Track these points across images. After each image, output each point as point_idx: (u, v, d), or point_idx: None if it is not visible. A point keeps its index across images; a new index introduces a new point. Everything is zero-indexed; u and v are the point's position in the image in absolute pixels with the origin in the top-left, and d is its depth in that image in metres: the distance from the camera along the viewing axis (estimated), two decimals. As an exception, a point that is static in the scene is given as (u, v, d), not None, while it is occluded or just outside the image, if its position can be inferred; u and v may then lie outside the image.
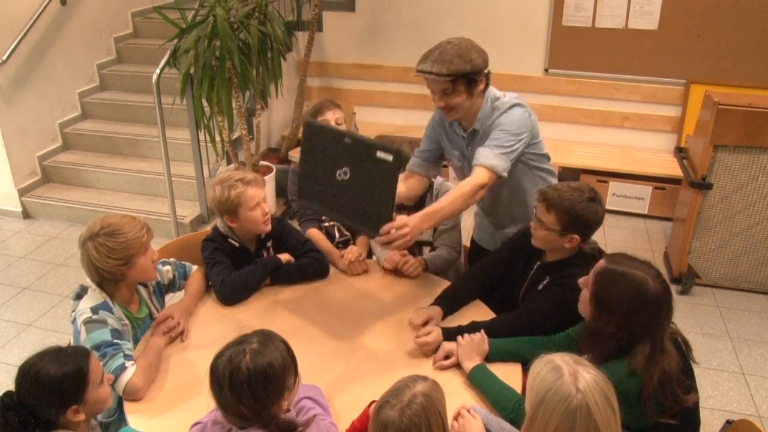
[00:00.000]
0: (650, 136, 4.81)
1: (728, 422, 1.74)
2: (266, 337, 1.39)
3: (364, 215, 1.80)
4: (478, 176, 1.99)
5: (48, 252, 4.12)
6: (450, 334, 1.88)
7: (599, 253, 2.03)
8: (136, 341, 1.95)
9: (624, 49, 4.61)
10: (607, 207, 4.62)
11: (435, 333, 1.88)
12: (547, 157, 2.27)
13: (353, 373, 1.82)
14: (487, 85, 2.08)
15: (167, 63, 3.96)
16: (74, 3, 4.89)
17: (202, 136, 4.11)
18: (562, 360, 1.29)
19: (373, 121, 5.25)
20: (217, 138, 4.07)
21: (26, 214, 4.62)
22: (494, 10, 4.80)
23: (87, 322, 1.80)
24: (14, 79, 4.44)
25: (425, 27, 5.00)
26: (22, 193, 4.60)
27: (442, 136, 2.29)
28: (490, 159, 1.99)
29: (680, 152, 3.83)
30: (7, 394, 1.46)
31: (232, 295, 2.14)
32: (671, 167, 4.33)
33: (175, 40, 3.86)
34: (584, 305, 1.66)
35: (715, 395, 2.85)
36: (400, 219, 1.80)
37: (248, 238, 2.26)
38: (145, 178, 4.57)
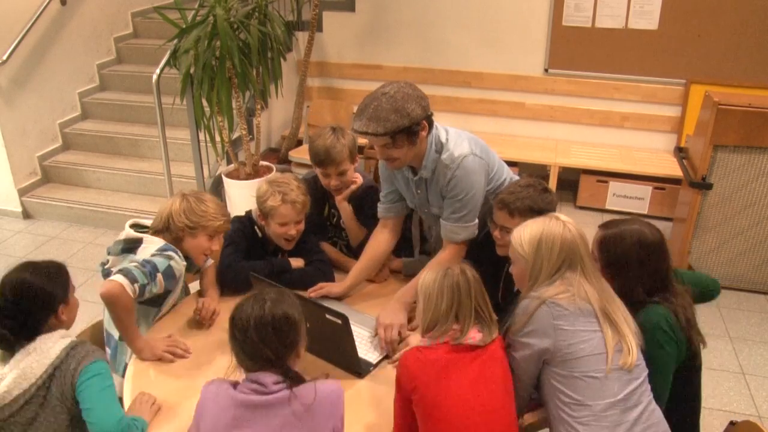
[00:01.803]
0: (650, 136, 4.81)
1: (732, 423, 1.74)
2: (281, 291, 1.49)
3: (338, 358, 1.84)
4: (453, 254, 2.02)
5: (48, 252, 4.12)
6: None
7: None
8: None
9: (624, 49, 4.61)
10: (607, 207, 4.63)
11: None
12: (501, 177, 2.17)
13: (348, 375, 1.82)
14: (430, 129, 1.97)
15: (167, 63, 3.96)
16: (74, 3, 4.89)
17: (202, 136, 4.11)
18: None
19: (373, 121, 5.26)
20: (217, 138, 4.07)
21: (26, 214, 4.62)
22: (494, 10, 4.80)
23: (159, 252, 1.92)
24: (14, 79, 4.44)
25: (425, 27, 5.00)
26: (22, 193, 4.60)
27: (393, 177, 2.21)
28: (458, 234, 2.00)
29: (680, 152, 3.83)
30: None
31: (229, 282, 2.18)
32: (671, 167, 4.33)
33: (175, 40, 3.86)
34: None
35: (715, 395, 2.85)
36: (381, 320, 1.87)
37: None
38: (145, 178, 4.57)
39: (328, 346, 1.82)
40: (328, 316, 1.71)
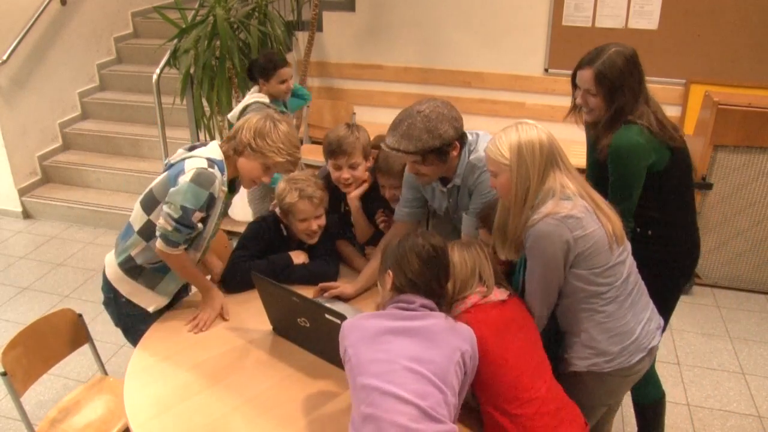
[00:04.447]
0: (650, 136, 4.80)
1: None
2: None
3: (337, 357, 1.76)
4: None
5: (48, 252, 4.12)
6: None
7: None
8: (222, 215, 2.08)
9: (624, 49, 4.61)
10: (607, 207, 4.62)
11: None
12: None
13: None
14: (462, 147, 1.97)
15: (167, 63, 3.96)
16: (74, 3, 4.89)
17: (202, 136, 4.11)
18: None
19: (373, 121, 5.25)
20: (217, 138, 4.07)
21: (26, 214, 4.62)
22: (494, 10, 4.80)
23: (200, 172, 1.89)
24: (14, 79, 4.45)
25: (425, 27, 5.00)
26: (22, 193, 4.60)
27: (419, 186, 2.19)
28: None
29: (680, 152, 3.83)
30: None
31: (232, 282, 2.21)
32: (671, 167, 4.32)
33: (175, 40, 3.87)
34: (598, 108, 2.00)
35: (715, 395, 2.85)
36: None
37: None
38: (145, 178, 4.57)
39: (327, 346, 1.82)
40: (327, 315, 1.72)
